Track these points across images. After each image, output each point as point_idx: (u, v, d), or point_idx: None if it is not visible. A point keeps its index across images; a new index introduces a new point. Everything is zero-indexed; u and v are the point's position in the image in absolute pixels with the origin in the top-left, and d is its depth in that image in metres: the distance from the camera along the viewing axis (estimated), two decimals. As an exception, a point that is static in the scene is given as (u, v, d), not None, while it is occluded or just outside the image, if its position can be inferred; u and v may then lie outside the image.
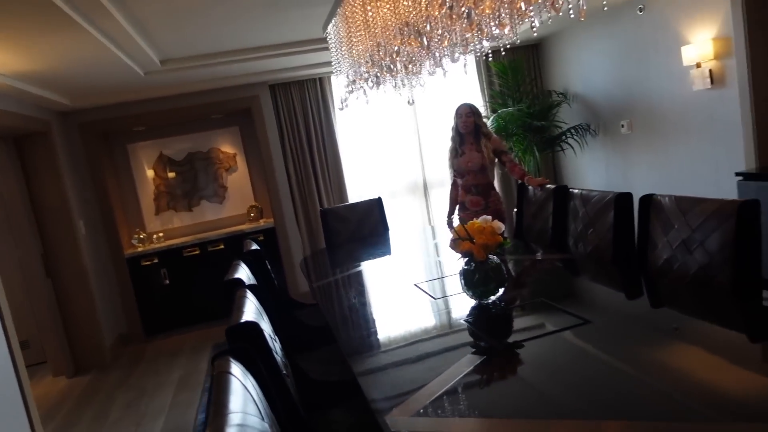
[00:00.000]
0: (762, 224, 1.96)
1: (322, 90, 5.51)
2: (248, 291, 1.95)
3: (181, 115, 5.33)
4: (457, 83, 5.58)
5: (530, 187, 3.55)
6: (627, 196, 2.58)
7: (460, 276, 2.15)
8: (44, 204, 4.48)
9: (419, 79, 2.63)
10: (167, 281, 5.25)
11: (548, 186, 3.37)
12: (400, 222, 5.60)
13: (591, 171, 5.41)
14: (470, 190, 3.86)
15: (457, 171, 3.90)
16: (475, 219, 2.20)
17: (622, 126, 4.91)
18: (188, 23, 3.40)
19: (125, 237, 5.33)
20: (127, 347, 5.09)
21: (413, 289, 2.57)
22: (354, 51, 2.61)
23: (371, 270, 3.28)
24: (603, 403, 1.34)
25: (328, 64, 5.10)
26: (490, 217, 2.18)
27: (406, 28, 1.81)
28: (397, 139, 5.80)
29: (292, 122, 5.47)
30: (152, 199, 5.60)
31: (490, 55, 2.54)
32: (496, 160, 3.85)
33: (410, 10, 1.80)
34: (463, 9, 1.60)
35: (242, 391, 1.04)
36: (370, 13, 2.17)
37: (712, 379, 1.38)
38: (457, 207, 4.02)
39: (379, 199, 4.52)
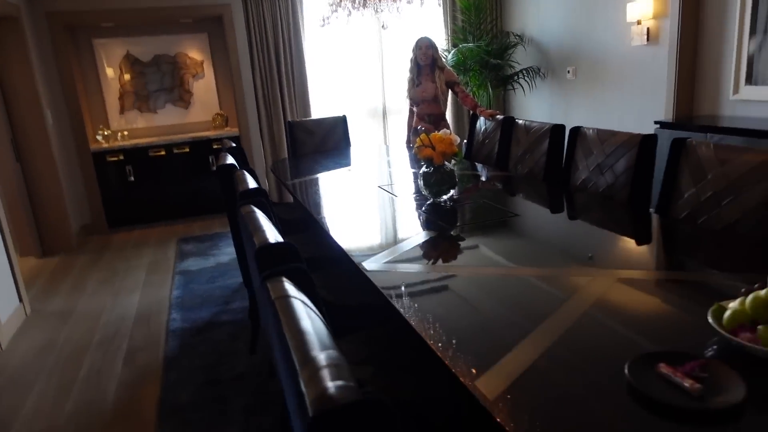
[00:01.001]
0: (658, 158, 2.51)
1: (293, 5, 5.65)
2: (247, 174, 2.33)
3: (150, 16, 5.36)
4: (423, 16, 5.86)
5: (482, 118, 4.02)
6: (560, 127, 3.10)
7: (420, 177, 2.61)
8: (14, 89, 4.55)
9: (399, 5, 2.97)
10: (132, 178, 5.47)
11: (498, 117, 3.85)
12: (359, 141, 5.98)
13: (536, 110, 5.94)
14: (424, 119, 4.28)
15: (413, 100, 4.30)
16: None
17: (568, 72, 5.42)
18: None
19: (90, 132, 5.44)
20: (91, 236, 5.34)
21: (378, 190, 3.02)
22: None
23: (338, 175, 3.70)
24: (522, 257, 1.87)
25: (303, -20, 5.28)
26: (449, 130, 2.62)
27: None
28: (361, 63, 6.08)
29: (262, 34, 5.62)
30: (117, 97, 5.68)
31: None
32: (449, 91, 4.27)
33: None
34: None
35: (306, 314, 0.95)
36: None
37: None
38: (411, 133, 4.46)
39: (344, 116, 4.87)
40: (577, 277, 1.63)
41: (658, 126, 4.16)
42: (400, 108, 6.29)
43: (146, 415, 2.43)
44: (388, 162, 4.18)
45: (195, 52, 5.82)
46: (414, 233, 2.26)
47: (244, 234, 1.67)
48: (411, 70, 4.27)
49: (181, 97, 5.86)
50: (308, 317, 0.93)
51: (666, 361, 1.09)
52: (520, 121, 3.46)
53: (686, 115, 4.32)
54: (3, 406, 2.58)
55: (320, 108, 6.01)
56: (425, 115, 4.25)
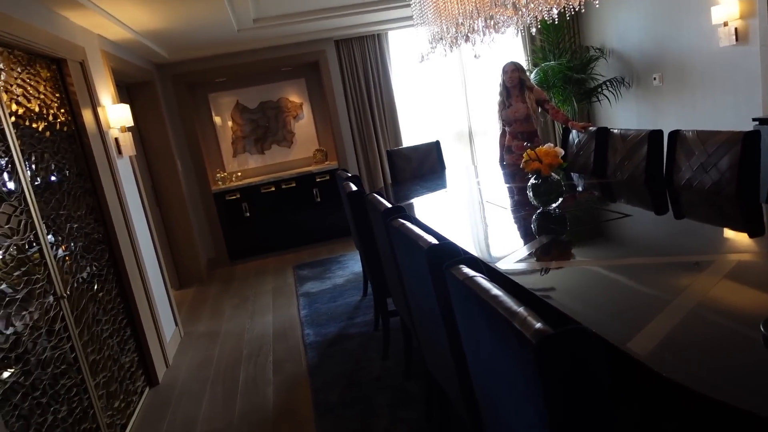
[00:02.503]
0: (763, 154, 2.62)
1: (380, 45, 6.13)
2: (379, 197, 2.69)
3: (257, 68, 6.02)
4: (502, 39, 6.14)
5: (574, 131, 4.21)
6: (659, 132, 3.24)
7: (529, 188, 2.86)
8: (152, 143, 5.27)
9: (493, 38, 3.27)
10: (248, 214, 6.07)
11: (590, 128, 4.03)
12: (450, 164, 6.29)
13: (624, 120, 6.00)
14: (517, 137, 4.52)
15: (506, 120, 4.55)
16: (521, 160, 2.88)
17: (654, 79, 5.47)
18: (291, -12, 4.05)
19: (209, 176, 6.12)
20: (216, 269, 5.96)
21: (488, 205, 3.30)
22: (442, 14, 3.25)
23: (442, 195, 4.01)
24: (632, 248, 2.08)
25: (388, 21, 5.76)
26: (552, 144, 2.87)
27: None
28: (446, 91, 6.43)
29: (354, 74, 6.13)
30: (230, 143, 6.36)
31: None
32: (540, 109, 4.50)
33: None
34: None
35: (492, 285, 1.20)
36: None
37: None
38: (504, 151, 4.71)
39: (438, 142, 5.21)
40: (699, 262, 1.81)
41: (757, 123, 4.16)
42: (486, 129, 6.57)
43: (304, 413, 2.79)
44: (480, 181, 4.44)
45: (295, 96, 6.41)
46: (531, 238, 2.51)
47: (400, 243, 1.99)
48: (501, 93, 4.55)
49: (285, 137, 6.46)
50: (495, 288, 1.23)
51: (796, 319, 1.28)
52: (615, 130, 3.63)
53: (785, 110, 4.28)
54: (186, 411, 3.04)
55: (409, 136, 6.40)
56: (518, 133, 4.50)
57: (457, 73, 6.43)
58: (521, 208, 3.08)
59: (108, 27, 3.66)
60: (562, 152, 2.81)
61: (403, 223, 1.98)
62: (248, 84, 6.27)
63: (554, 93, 5.94)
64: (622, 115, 6.02)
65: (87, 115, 3.20)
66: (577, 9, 2.54)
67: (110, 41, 4.04)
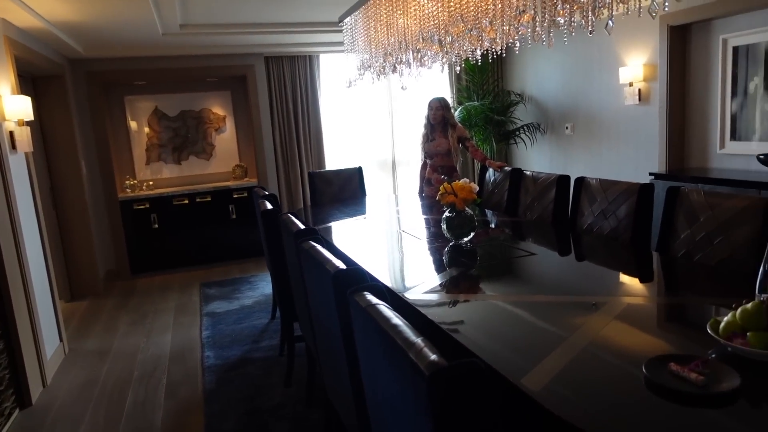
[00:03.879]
0: (655, 204, 2.83)
1: (311, 66, 6.12)
2: (293, 217, 2.62)
3: (180, 75, 5.81)
4: (431, 75, 6.33)
5: (490, 169, 4.37)
6: (566, 178, 3.43)
7: (443, 221, 2.91)
8: (55, 141, 4.89)
9: (420, 71, 3.35)
10: (156, 225, 5.75)
11: (506, 168, 4.20)
12: (371, 191, 6.32)
13: (537, 163, 6.32)
14: (437, 170, 4.63)
15: (427, 153, 4.66)
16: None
17: (566, 128, 5.84)
18: (223, -3, 3.95)
19: (118, 182, 5.76)
20: (115, 282, 5.57)
21: (403, 234, 3.32)
22: (372, 43, 3.30)
23: (359, 222, 4.00)
24: (536, 286, 2.15)
25: (321, 44, 5.78)
26: (468, 180, 2.95)
27: (427, 35, 2.53)
28: (373, 118, 6.51)
29: (282, 92, 6.06)
30: (144, 149, 6.04)
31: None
32: (460, 146, 4.65)
33: (433, 23, 2.52)
34: (473, 31, 2.34)
35: (394, 314, 1.17)
36: (396, 20, 2.87)
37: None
38: (424, 183, 4.80)
39: (360, 168, 5.22)
40: (583, 312, 1.90)
41: (653, 177, 4.52)
42: (408, 160, 6.69)
43: (194, 440, 2.62)
44: (400, 210, 4.49)
45: (218, 108, 6.23)
46: (442, 270, 2.54)
47: (309, 265, 1.94)
48: (425, 126, 4.65)
49: (204, 149, 6.23)
50: (396, 317, 1.20)
51: (675, 361, 1.36)
52: (528, 172, 3.80)
53: (678, 167, 4.69)
54: (57, 434, 2.76)
55: (334, 160, 6.39)
56: (438, 167, 4.60)
57: (384, 101, 6.53)
58: (435, 240, 3.12)
59: (14, 12, 3.38)
60: (477, 188, 2.90)
61: (313, 246, 1.94)
62: (170, 90, 6.03)
63: (475, 132, 6.17)
64: (536, 158, 6.35)
65: (-22, 104, 2.92)
66: (498, 53, 2.65)
67: (17, 27, 3.74)
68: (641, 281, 2.30)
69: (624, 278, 2.35)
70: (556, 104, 5.97)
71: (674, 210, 2.55)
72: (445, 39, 2.49)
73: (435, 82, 6.48)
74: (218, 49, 5.54)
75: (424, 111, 4.66)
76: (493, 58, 6.70)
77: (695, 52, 4.50)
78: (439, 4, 2.43)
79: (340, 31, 4.99)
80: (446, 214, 2.91)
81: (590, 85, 5.43)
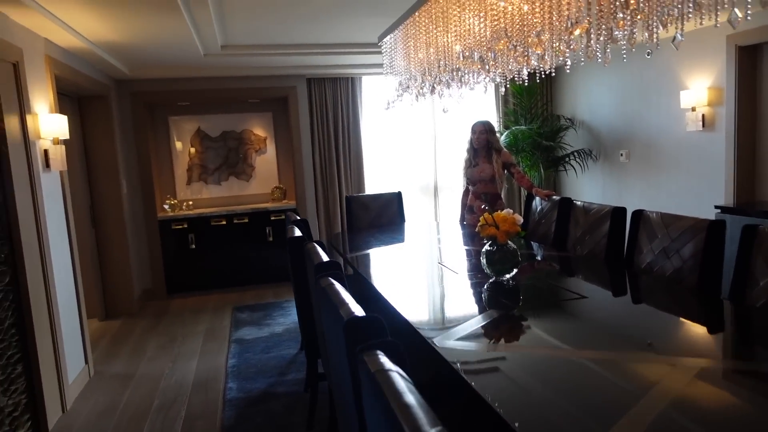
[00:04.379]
0: (726, 245, 2.49)
1: (353, 88, 6.01)
2: (318, 247, 2.44)
3: (223, 96, 5.81)
4: (475, 98, 6.12)
5: (537, 198, 4.08)
6: (622, 210, 3.11)
7: (483, 255, 2.65)
8: (96, 160, 4.93)
9: (462, 92, 3.14)
10: (193, 246, 5.71)
11: (554, 197, 3.90)
12: (412, 216, 6.11)
13: (588, 192, 5.96)
14: (480, 197, 4.37)
15: (470, 179, 4.41)
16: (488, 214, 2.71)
17: (621, 155, 5.47)
18: (262, 16, 3.88)
19: (158, 201, 5.77)
20: (150, 301, 5.53)
21: (439, 267, 3.08)
22: (412, 62, 3.12)
23: (396, 250, 3.78)
24: (588, 340, 1.86)
25: (363, 66, 5.66)
26: (511, 210, 2.69)
27: (467, 53, 2.32)
28: (415, 142, 6.32)
29: (323, 115, 5.97)
30: (185, 169, 6.05)
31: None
32: (506, 172, 4.38)
33: (474, 39, 2.32)
34: (518, 46, 2.12)
35: (407, 388, 0.96)
36: (436, 38, 2.68)
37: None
38: (466, 211, 4.54)
39: (399, 193, 5.02)
40: (648, 368, 1.61)
41: (719, 211, 4.11)
42: (451, 185, 6.44)
43: (205, 485, 2.42)
44: (440, 239, 4.24)
45: (259, 129, 6.19)
46: (479, 311, 2.28)
47: (325, 306, 1.73)
48: (468, 151, 4.42)
49: (244, 170, 6.19)
50: (410, 392, 0.97)
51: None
52: (578, 203, 3.50)
53: (747, 200, 4.27)
54: (67, 466, 2.62)
55: (374, 183, 6.22)
56: (482, 194, 4.35)
57: (427, 124, 6.34)
58: (474, 275, 2.87)
59: (56, 32, 3.40)
60: (521, 220, 2.63)
61: (332, 284, 1.73)
62: (212, 111, 6.04)
63: (522, 157, 5.89)
64: (587, 186, 5.99)
65: (11, 122, 2.89)
66: (547, 72, 2.41)
67: (60, 47, 3.77)
68: (710, 332, 1.98)
69: (687, 333, 2.03)
70: (609, 129, 5.62)
71: (751, 252, 2.21)
72: (487, 56, 2.28)
73: (480, 105, 6.25)
74: (260, 70, 5.50)
75: (467, 135, 4.44)
76: (541, 79, 6.46)
77: (767, 74, 4.11)
78: (481, 18, 2.22)
79: (380, 52, 4.89)
80: (486, 247, 2.66)
81: (647, 110, 5.08)
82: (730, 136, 4.26)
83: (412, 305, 2.49)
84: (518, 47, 2.03)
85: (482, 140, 4.30)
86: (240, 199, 6.16)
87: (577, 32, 1.94)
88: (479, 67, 2.33)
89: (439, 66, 2.64)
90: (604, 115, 5.66)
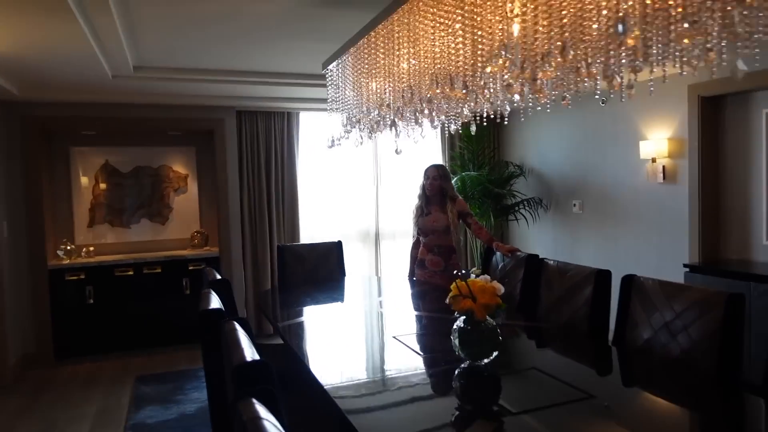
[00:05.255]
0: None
1: (288, 125, 5.44)
2: (237, 325, 1.79)
3: (138, 126, 5.05)
4: (420, 141, 5.70)
5: (498, 253, 3.61)
6: (606, 273, 2.67)
7: (455, 334, 2.09)
8: (-32, 198, 4.01)
9: (422, 129, 2.64)
10: (92, 300, 4.79)
11: (518, 254, 3.44)
12: (350, 268, 5.50)
13: (539, 243, 5.61)
14: (432, 250, 3.86)
15: (422, 230, 3.91)
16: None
17: (574, 205, 5.18)
18: (182, 33, 3.27)
19: (51, 247, 4.84)
20: (32, 370, 4.52)
21: (393, 342, 2.48)
22: (364, 92, 2.59)
23: (335, 313, 3.15)
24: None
25: (301, 99, 5.11)
26: (488, 277, 2.16)
27: (447, 78, 1.82)
28: (354, 185, 5.79)
29: (254, 152, 5.34)
30: (88, 209, 5.17)
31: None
32: (461, 222, 3.91)
33: (453, 63, 1.82)
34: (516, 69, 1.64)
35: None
36: (398, 58, 2.17)
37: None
38: (416, 265, 4.01)
39: (339, 243, 4.43)
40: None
41: (687, 270, 3.81)
42: (394, 232, 5.93)
43: None
44: (387, 300, 3.66)
45: (180, 166, 5.45)
46: (451, 411, 1.69)
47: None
48: (419, 198, 3.92)
49: (160, 212, 5.39)
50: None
51: None
52: (551, 262, 3.04)
53: (713, 258, 4.01)
54: None
55: (309, 229, 5.60)
56: (434, 246, 3.83)
57: (368, 166, 5.83)
58: (439, 356, 2.30)
59: None
60: (502, 289, 2.11)
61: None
62: (123, 143, 5.24)
63: (472, 205, 5.47)
64: (538, 238, 5.65)
65: None
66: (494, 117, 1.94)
67: None
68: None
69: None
70: (561, 178, 5.34)
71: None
72: (473, 83, 1.78)
73: (425, 147, 5.83)
74: (182, 98, 4.82)
75: (412, 178, 3.95)
76: (488, 122, 6.16)
77: (732, 126, 3.93)
78: (470, 36, 1.73)
79: (323, 85, 4.35)
80: (458, 323, 2.10)
81: (603, 159, 4.82)
82: (694, 189, 4.02)
83: (364, 402, 1.87)
84: (517, 69, 1.53)
85: (436, 186, 3.82)
86: (153, 245, 5.32)
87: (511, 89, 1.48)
88: (460, 96, 1.82)
89: (404, 96, 2.12)
90: (556, 163, 5.39)
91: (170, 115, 5.04)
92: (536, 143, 5.62)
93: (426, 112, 2.08)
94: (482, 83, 1.81)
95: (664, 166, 4.23)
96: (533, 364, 2.25)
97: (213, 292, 2.32)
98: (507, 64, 1.61)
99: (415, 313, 3.28)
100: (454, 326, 2.11)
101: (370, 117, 2.60)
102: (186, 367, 4.48)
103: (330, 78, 3.09)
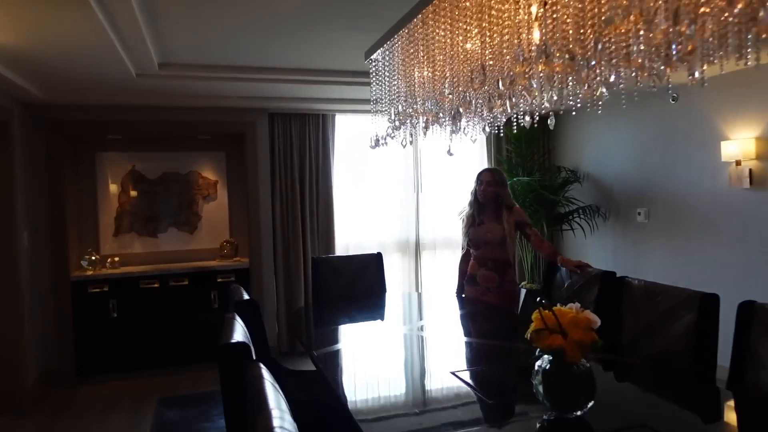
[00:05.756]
0: None
1: (324, 128, 5.08)
2: (264, 371, 1.40)
3: (166, 130, 4.78)
4: (464, 145, 5.27)
5: (563, 269, 3.15)
6: (714, 299, 2.18)
7: (538, 377, 1.66)
8: (-15, 205, 3.77)
9: (485, 124, 2.22)
10: (115, 314, 4.50)
11: (588, 270, 2.98)
12: (390, 282, 5.10)
13: (596, 256, 5.08)
14: (485, 264, 3.42)
15: (473, 241, 3.47)
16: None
17: (639, 214, 4.65)
18: (209, 25, 2.94)
19: (74, 257, 4.58)
20: (52, 389, 4.24)
21: (451, 379, 2.05)
22: (417, 81, 2.19)
23: (379, 338, 2.74)
24: None
25: (337, 101, 4.75)
26: (578, 305, 1.72)
27: (529, 54, 1.40)
28: (394, 192, 5.39)
29: (287, 157, 4.99)
30: (113, 217, 4.91)
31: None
32: (518, 233, 3.46)
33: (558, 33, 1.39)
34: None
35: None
36: (465, 34, 1.76)
37: None
38: (465, 281, 3.57)
39: (379, 255, 4.04)
40: None
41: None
42: (435, 241, 5.50)
43: None
44: (426, 323, 3.23)
45: (209, 172, 5.15)
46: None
47: None
48: (470, 205, 3.49)
49: (188, 220, 5.09)
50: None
51: None
52: (634, 281, 2.57)
53: (814, 276, 3.45)
54: None
55: (344, 239, 5.21)
56: (488, 260, 3.40)
57: (409, 172, 5.42)
58: (512, 401, 1.86)
59: None
60: (598, 322, 1.67)
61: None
62: (151, 148, 4.97)
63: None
64: (595, 249, 5.13)
65: None
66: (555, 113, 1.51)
67: None
68: None
69: None
70: (623, 184, 4.82)
71: None
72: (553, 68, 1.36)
73: (469, 151, 5.41)
74: (211, 100, 4.51)
75: (460, 186, 3.53)
76: (538, 124, 5.68)
77: (837, 123, 3.38)
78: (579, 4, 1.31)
79: (362, 83, 3.98)
80: (542, 364, 1.67)
81: (673, 163, 4.30)
82: (791, 196, 3.47)
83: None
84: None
85: (490, 193, 3.38)
86: (180, 255, 5.02)
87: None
88: (560, 69, 1.40)
89: (473, 79, 1.70)
90: (616, 168, 4.88)
91: (199, 118, 4.74)
92: (593, 146, 5.12)
93: (506, 98, 1.66)
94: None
95: (750, 170, 3.70)
96: (641, 416, 1.78)
97: (238, 319, 1.94)
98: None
99: (465, 339, 2.85)
100: (536, 366, 1.68)
101: (425, 108, 2.19)
102: (212, 389, 4.12)
103: (374, 69, 2.70)
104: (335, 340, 2.72)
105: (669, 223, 4.39)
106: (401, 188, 5.39)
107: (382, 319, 3.48)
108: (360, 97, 4.51)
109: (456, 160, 5.36)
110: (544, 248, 3.33)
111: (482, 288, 3.43)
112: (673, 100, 4.25)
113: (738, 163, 3.76)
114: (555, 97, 1.73)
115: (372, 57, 2.71)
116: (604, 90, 1.51)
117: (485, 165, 5.54)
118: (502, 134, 5.43)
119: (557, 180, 5.20)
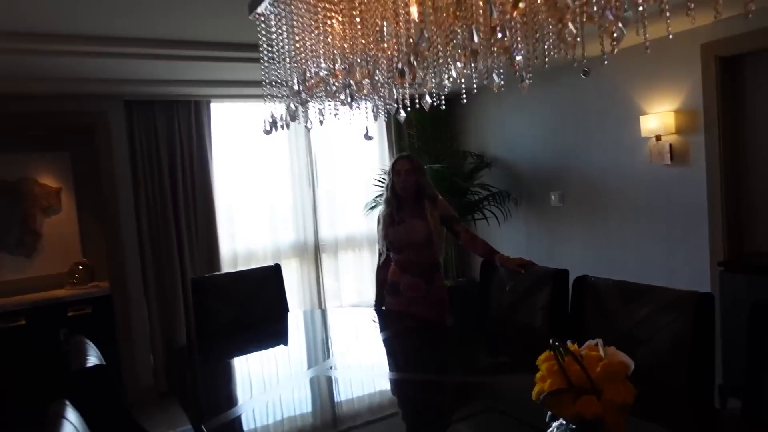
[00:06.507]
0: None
1: (198, 117, 4.22)
2: None
3: (-19, 126, 3.65)
4: (361, 133, 4.70)
5: (501, 268, 2.69)
6: (708, 297, 1.79)
7: (556, 455, 1.11)
8: None
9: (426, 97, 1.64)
10: None
11: (533, 268, 2.54)
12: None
13: (510, 244, 4.75)
14: (409, 269, 2.87)
15: (394, 244, 2.91)
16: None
17: (552, 197, 4.39)
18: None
19: None
20: None
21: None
22: (322, 47, 1.54)
23: (290, 393, 2.06)
24: None
25: (211, 83, 3.92)
26: (600, 341, 1.20)
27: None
28: (286, 188, 4.67)
29: (152, 155, 4.05)
30: None
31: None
32: (445, 230, 2.95)
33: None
34: None
35: None
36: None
37: None
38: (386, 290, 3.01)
39: (278, 266, 3.33)
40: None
41: (722, 269, 3.09)
42: (336, 241, 4.88)
43: None
44: (333, 365, 2.62)
45: (49, 178, 4.08)
46: None
47: None
48: (387, 202, 2.91)
49: (23, 240, 3.99)
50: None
51: None
52: (601, 281, 2.15)
53: (740, 252, 3.32)
54: None
55: (231, 248, 4.42)
56: (413, 264, 2.84)
57: (302, 164, 4.73)
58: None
59: None
60: (632, 365, 1.15)
61: None
62: (-37, 150, 3.81)
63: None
64: (509, 238, 4.81)
65: None
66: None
67: None
68: None
69: None
70: (533, 167, 4.54)
71: None
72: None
73: (365, 139, 4.82)
74: (46, 84, 3.46)
75: (358, 178, 3.00)
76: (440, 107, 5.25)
77: (757, 93, 3.25)
78: None
79: (242, 59, 3.23)
80: (559, 424, 1.12)
81: (588, 141, 4.06)
82: (715, 171, 3.31)
83: None
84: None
85: (411, 183, 2.83)
86: (15, 285, 3.91)
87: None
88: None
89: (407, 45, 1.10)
90: (526, 150, 4.58)
91: (28, 109, 3.65)
92: (499, 128, 4.78)
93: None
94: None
95: (671, 145, 3.51)
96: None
97: (69, 417, 1.17)
98: None
99: (391, 375, 2.27)
100: (554, 427, 1.13)
101: (340, 81, 1.55)
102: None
103: (263, 28, 1.99)
104: (230, 401, 1.98)
105: (586, 205, 4.15)
106: (295, 183, 4.69)
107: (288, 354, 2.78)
108: (238, 78, 3.74)
109: (352, 149, 4.80)
110: (478, 246, 2.84)
111: (406, 298, 2.88)
112: (584, 75, 3.99)
113: (658, 138, 3.56)
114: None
115: (258, 10, 2.00)
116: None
117: (385, 153, 5.03)
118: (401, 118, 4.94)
119: (467, 167, 4.81)
